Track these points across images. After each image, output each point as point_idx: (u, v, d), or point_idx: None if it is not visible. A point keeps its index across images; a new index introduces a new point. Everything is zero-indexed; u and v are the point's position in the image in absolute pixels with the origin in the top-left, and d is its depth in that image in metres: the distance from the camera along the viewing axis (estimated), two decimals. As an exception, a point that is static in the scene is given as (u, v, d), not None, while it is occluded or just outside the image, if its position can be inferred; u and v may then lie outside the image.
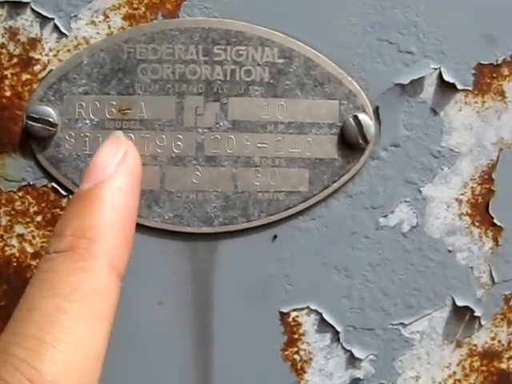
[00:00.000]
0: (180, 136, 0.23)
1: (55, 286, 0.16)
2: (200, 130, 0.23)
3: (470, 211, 0.24)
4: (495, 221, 0.24)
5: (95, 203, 0.17)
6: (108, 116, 0.23)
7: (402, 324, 0.24)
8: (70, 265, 0.16)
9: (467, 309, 0.24)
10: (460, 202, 0.24)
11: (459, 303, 0.24)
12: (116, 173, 0.18)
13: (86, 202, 0.17)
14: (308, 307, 0.24)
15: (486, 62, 0.24)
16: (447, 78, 0.24)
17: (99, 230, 0.17)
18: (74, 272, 0.16)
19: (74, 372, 0.15)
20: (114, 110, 0.23)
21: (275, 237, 0.23)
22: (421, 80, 0.23)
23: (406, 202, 0.24)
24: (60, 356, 0.15)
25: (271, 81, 0.23)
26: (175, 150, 0.23)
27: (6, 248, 0.23)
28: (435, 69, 0.23)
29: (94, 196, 0.17)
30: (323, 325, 0.24)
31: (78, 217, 0.17)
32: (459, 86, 0.23)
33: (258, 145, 0.23)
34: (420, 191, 0.24)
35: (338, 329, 0.24)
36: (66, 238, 0.17)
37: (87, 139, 0.23)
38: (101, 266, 0.17)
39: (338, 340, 0.24)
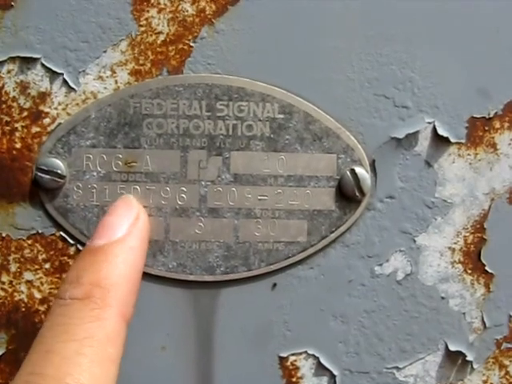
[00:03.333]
0: (184, 188, 0.22)
1: (72, 332, 0.17)
2: (203, 183, 0.22)
3: (462, 259, 0.23)
4: (487, 268, 0.23)
5: (110, 258, 0.18)
6: (114, 168, 0.22)
7: (396, 368, 0.23)
8: (86, 312, 0.17)
9: (460, 353, 0.23)
10: (453, 250, 0.23)
11: (452, 348, 0.23)
12: (129, 234, 0.19)
13: (100, 256, 0.18)
14: (306, 352, 0.23)
15: (478, 116, 0.23)
16: (441, 131, 0.23)
17: (113, 281, 0.18)
18: (89, 319, 0.17)
19: None
20: (120, 162, 0.22)
21: (275, 285, 0.22)
22: (416, 134, 0.23)
23: (400, 251, 0.23)
24: None
25: (272, 135, 0.22)
26: (179, 202, 0.22)
27: (15, 294, 0.22)
28: (429, 123, 0.22)
29: (109, 252, 0.18)
30: (320, 368, 0.23)
31: (93, 268, 0.18)
32: (453, 139, 0.23)
33: (259, 197, 0.22)
34: (414, 240, 0.23)
35: (335, 372, 0.23)
36: (82, 286, 0.18)
37: (94, 191, 0.22)
38: (113, 315, 0.17)
39: (335, 383, 0.23)
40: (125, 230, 0.19)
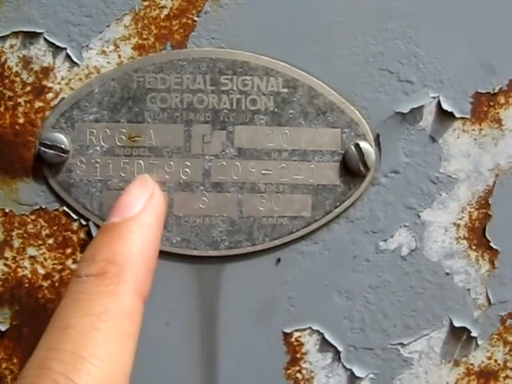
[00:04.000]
0: (188, 163, 0.21)
1: (88, 307, 0.17)
2: (207, 158, 0.21)
3: (467, 235, 0.23)
4: (492, 244, 0.23)
5: (125, 235, 0.18)
6: (118, 143, 0.21)
7: (401, 344, 0.23)
8: (101, 288, 0.17)
9: (464, 329, 0.23)
10: (458, 226, 0.23)
11: (456, 324, 0.23)
12: (144, 210, 0.19)
13: (116, 233, 0.18)
14: (310, 328, 0.22)
15: (483, 91, 0.22)
16: (446, 106, 0.22)
17: (128, 258, 0.18)
18: (105, 295, 0.17)
19: None
20: (123, 137, 0.21)
21: (279, 260, 0.22)
22: (420, 108, 0.22)
23: (405, 226, 0.22)
24: (95, 370, 0.16)
25: (276, 110, 0.21)
26: (183, 177, 0.21)
27: (19, 269, 0.22)
28: (434, 97, 0.22)
29: (124, 229, 0.18)
30: (325, 344, 0.22)
31: (109, 245, 0.18)
32: (457, 115, 0.22)
33: (263, 172, 0.22)
34: (419, 216, 0.22)
35: (339, 348, 0.22)
36: (97, 264, 0.17)
37: (98, 165, 0.21)
38: (129, 291, 0.17)
39: (339, 359, 0.22)
40: (140, 207, 0.19)
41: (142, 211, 0.19)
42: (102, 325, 0.16)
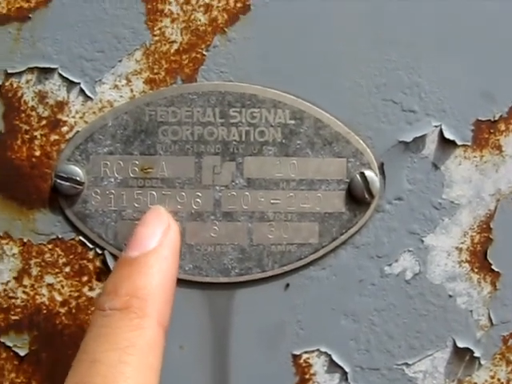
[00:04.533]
0: (199, 193, 0.22)
1: (114, 341, 0.17)
2: (217, 188, 0.22)
3: (469, 258, 0.23)
4: (493, 267, 0.23)
5: (145, 269, 0.19)
6: (131, 175, 0.22)
7: (405, 364, 0.23)
8: (126, 322, 0.18)
9: (467, 350, 0.23)
10: (460, 250, 0.23)
11: (460, 344, 0.23)
12: (161, 244, 0.19)
13: (136, 267, 0.19)
14: (318, 349, 0.23)
15: (483, 119, 0.23)
16: (448, 135, 0.22)
17: (149, 292, 0.18)
18: (130, 328, 0.17)
19: None
20: (136, 169, 0.22)
21: (288, 285, 0.22)
22: (423, 137, 0.22)
23: (409, 251, 0.23)
24: None
25: (283, 141, 0.22)
26: (194, 207, 0.22)
27: (37, 296, 0.22)
28: (436, 126, 0.22)
29: (144, 263, 0.19)
30: (332, 365, 0.23)
31: (130, 280, 0.18)
32: (459, 142, 0.23)
33: (272, 201, 0.22)
34: (422, 241, 0.23)
35: (346, 369, 0.23)
36: (120, 298, 0.18)
37: (112, 196, 0.22)
38: (152, 324, 0.18)
39: (347, 379, 0.23)
40: (157, 241, 0.19)
41: (159, 245, 0.19)
42: (128, 358, 0.17)
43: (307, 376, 0.23)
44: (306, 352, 0.23)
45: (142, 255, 0.19)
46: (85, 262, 0.23)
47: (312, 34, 0.22)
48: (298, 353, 0.23)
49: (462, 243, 0.23)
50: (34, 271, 0.23)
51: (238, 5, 0.23)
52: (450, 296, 0.23)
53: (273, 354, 0.23)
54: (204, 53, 0.22)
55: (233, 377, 0.23)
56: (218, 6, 0.22)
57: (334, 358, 0.23)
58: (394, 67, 0.23)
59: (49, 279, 0.23)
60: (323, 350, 0.23)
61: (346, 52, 0.23)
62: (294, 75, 0.22)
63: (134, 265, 0.19)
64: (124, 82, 0.22)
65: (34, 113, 0.22)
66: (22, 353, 0.23)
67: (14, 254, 0.23)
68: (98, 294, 0.22)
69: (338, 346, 0.23)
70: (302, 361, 0.23)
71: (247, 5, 0.22)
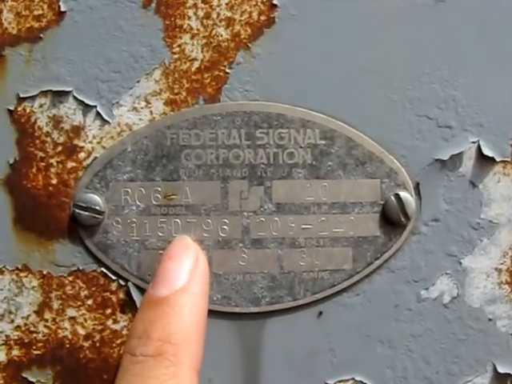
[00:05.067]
0: (226, 220, 0.21)
1: None
2: (245, 214, 0.21)
3: (509, 280, 0.22)
4: None
5: (177, 310, 0.18)
6: (154, 202, 0.20)
7: None
8: (160, 370, 0.17)
9: (509, 375, 0.22)
10: (499, 271, 0.22)
11: (500, 370, 0.22)
12: (191, 280, 0.18)
13: (166, 308, 0.18)
14: (353, 378, 0.21)
15: None
16: (486, 151, 0.21)
17: (183, 336, 0.17)
18: (166, 378, 0.17)
19: None
20: (159, 196, 0.20)
21: (320, 313, 0.21)
22: (460, 154, 0.21)
23: (446, 274, 0.21)
24: None
25: (314, 162, 0.20)
26: (221, 234, 0.21)
27: (59, 330, 0.21)
28: (474, 142, 0.21)
29: (175, 303, 0.18)
30: None
31: (161, 322, 0.17)
32: (498, 158, 0.21)
33: (303, 226, 0.21)
34: (460, 263, 0.21)
35: (383, 397, 0.23)
36: (153, 343, 0.17)
37: (134, 225, 0.20)
38: (187, 370, 0.17)
39: None
40: (187, 277, 0.18)
41: (189, 281, 0.18)
42: None
43: (342, 405, 0.22)
44: (340, 381, 0.22)
45: (172, 294, 0.18)
46: (108, 294, 0.21)
47: (341, 48, 0.21)
48: (331, 382, 0.22)
49: (502, 264, 0.22)
50: (55, 304, 0.21)
51: (262, 18, 0.21)
52: (490, 319, 0.22)
53: (306, 384, 0.22)
54: (227, 70, 0.21)
55: (265, 408, 0.22)
56: (240, 20, 0.21)
57: (370, 386, 0.22)
58: (428, 80, 0.21)
59: (71, 312, 0.21)
60: (358, 378, 0.22)
61: (377, 66, 0.21)
62: (323, 92, 0.21)
63: (164, 305, 0.17)
64: (143, 103, 0.21)
65: (48, 139, 0.21)
66: (45, 388, 0.22)
67: (33, 287, 0.21)
68: (124, 326, 0.21)
69: (374, 375, 0.22)
70: (336, 390, 0.22)
71: (271, 17, 0.21)
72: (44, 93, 0.21)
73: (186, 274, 0.18)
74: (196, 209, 0.21)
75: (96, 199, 0.21)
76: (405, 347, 0.22)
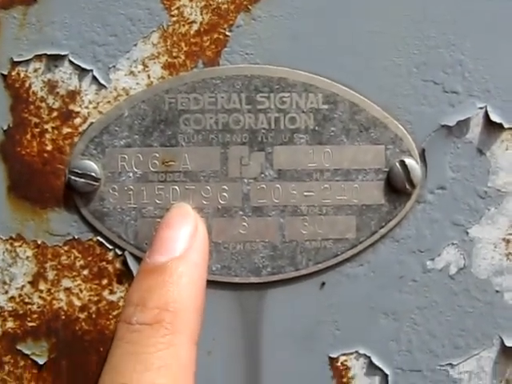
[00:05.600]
0: (225, 187, 0.20)
1: (147, 361, 0.16)
2: (245, 181, 0.20)
3: None
4: None
5: (175, 278, 0.17)
6: (151, 168, 0.20)
7: (450, 365, 0.21)
8: (157, 339, 0.16)
9: None
10: (507, 241, 0.21)
11: (508, 343, 0.21)
12: (191, 248, 0.17)
13: (165, 276, 0.17)
14: (357, 351, 0.21)
15: None
16: (493, 117, 0.20)
17: (181, 304, 0.17)
18: (162, 346, 0.16)
19: None
20: (157, 162, 0.20)
21: (323, 284, 0.20)
22: (467, 120, 0.20)
23: (453, 244, 0.21)
24: None
25: (316, 128, 0.20)
26: (221, 202, 0.20)
27: (54, 302, 0.20)
28: (481, 108, 0.20)
29: (173, 271, 0.17)
30: (372, 368, 0.21)
31: (160, 290, 0.17)
32: (506, 125, 0.20)
33: (305, 193, 0.20)
34: (467, 233, 0.21)
35: (387, 371, 0.21)
36: (150, 311, 0.16)
37: (131, 192, 0.20)
38: (185, 340, 0.16)
39: (387, 383, 0.21)
40: (185, 244, 0.17)
41: (188, 249, 0.17)
42: (163, 380, 0.15)
43: (345, 379, 0.21)
44: (343, 354, 0.21)
45: (170, 262, 0.17)
46: (104, 263, 0.21)
47: (345, 11, 0.20)
48: (334, 355, 0.21)
49: (510, 234, 0.21)
50: (50, 275, 0.21)
51: (263, -21, 0.20)
52: (497, 291, 0.21)
53: (308, 357, 0.21)
54: (227, 33, 0.20)
55: (265, 383, 0.21)
56: (240, -18, 0.20)
57: (374, 359, 0.21)
58: (434, 45, 0.20)
59: (66, 283, 0.21)
60: (362, 351, 0.21)
61: (381, 30, 0.20)
62: (326, 56, 0.20)
63: (161, 273, 0.17)
64: (140, 67, 0.20)
65: (43, 104, 0.20)
66: (40, 361, 0.21)
67: (27, 257, 0.21)
68: (120, 296, 0.21)
69: (378, 347, 0.21)
70: (339, 363, 0.21)
71: (273, -21, 0.20)
72: (39, 57, 0.20)
73: (184, 242, 0.18)
74: (195, 175, 0.20)
75: (92, 166, 0.20)
76: (409, 320, 0.21)
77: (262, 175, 0.20)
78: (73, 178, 0.20)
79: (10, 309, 0.21)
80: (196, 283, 0.17)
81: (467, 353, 0.21)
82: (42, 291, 0.21)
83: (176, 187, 0.20)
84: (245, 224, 0.20)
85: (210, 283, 0.20)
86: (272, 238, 0.20)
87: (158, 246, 0.18)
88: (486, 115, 0.21)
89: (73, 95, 0.20)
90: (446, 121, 0.20)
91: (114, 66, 0.20)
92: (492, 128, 0.21)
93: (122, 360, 0.16)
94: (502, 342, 0.21)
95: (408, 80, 0.20)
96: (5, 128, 0.20)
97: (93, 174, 0.20)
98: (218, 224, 0.20)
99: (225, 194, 0.20)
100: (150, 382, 0.15)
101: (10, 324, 0.21)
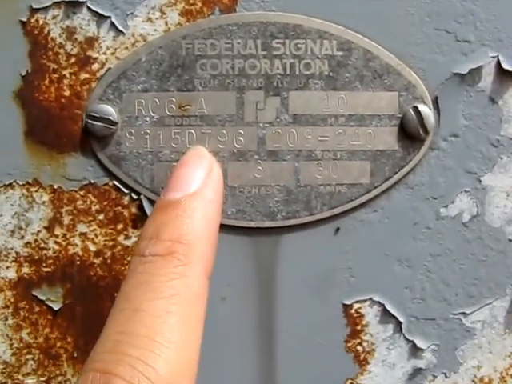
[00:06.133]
0: (241, 131, 0.20)
1: (159, 289, 0.16)
2: (261, 125, 0.20)
3: None
4: None
5: (189, 212, 0.17)
6: (168, 113, 0.20)
7: (463, 314, 0.21)
8: (170, 269, 0.16)
9: None
10: None
11: None
12: (205, 186, 0.17)
13: (179, 210, 0.17)
14: (371, 299, 0.21)
15: None
16: (506, 66, 0.20)
17: (194, 237, 0.16)
18: (175, 276, 0.16)
19: (183, 370, 0.15)
20: (173, 106, 0.20)
21: (338, 229, 0.20)
22: (479, 69, 0.20)
23: (465, 191, 0.21)
24: (172, 355, 0.15)
25: (331, 74, 0.20)
26: (237, 146, 0.20)
27: (69, 247, 0.20)
28: (493, 57, 0.20)
29: (187, 206, 0.17)
30: (386, 316, 0.21)
31: (173, 224, 0.17)
32: None
33: (320, 138, 0.20)
34: (480, 181, 0.21)
35: (401, 319, 0.21)
36: (163, 243, 0.16)
37: (148, 136, 0.20)
38: (198, 272, 0.16)
39: (401, 331, 0.21)
40: (200, 182, 0.17)
41: (203, 187, 0.17)
42: (174, 308, 0.15)
43: (359, 327, 0.21)
44: (357, 301, 0.21)
45: (185, 197, 0.17)
46: (119, 208, 0.21)
47: (358, -40, 0.21)
48: (348, 302, 0.21)
49: (522, 183, 0.22)
50: (66, 220, 0.21)
51: None
52: (510, 240, 0.21)
53: (322, 304, 0.21)
54: (243, -19, 0.21)
55: (279, 329, 0.21)
56: None
57: (388, 307, 0.21)
58: (446, -6, 0.21)
59: (82, 228, 0.21)
60: (376, 299, 0.21)
61: (395, -21, 0.21)
62: (341, 3, 0.20)
63: (176, 207, 0.17)
64: (158, 14, 0.20)
65: (62, 50, 0.20)
66: (55, 307, 0.21)
67: (44, 202, 0.21)
68: (135, 241, 0.21)
69: (392, 295, 0.21)
70: (353, 311, 0.21)
71: None
72: (57, 3, 0.20)
73: (199, 180, 0.17)
74: (211, 119, 0.20)
75: (109, 109, 0.20)
76: (423, 267, 0.21)
77: (278, 120, 0.20)
78: (90, 121, 0.20)
79: (26, 254, 0.21)
80: (210, 219, 0.17)
81: (480, 302, 0.21)
82: (57, 236, 0.21)
83: (192, 131, 0.20)
84: (260, 168, 0.20)
85: (225, 227, 0.20)
86: (287, 182, 0.20)
87: (173, 183, 0.18)
88: (498, 64, 0.21)
89: (91, 41, 0.20)
90: (459, 69, 0.21)
91: (131, 13, 0.20)
92: (504, 77, 0.21)
93: (134, 289, 0.16)
94: (515, 282, 0.21)
95: (421, 29, 0.20)
96: (23, 74, 0.20)
97: (110, 117, 0.20)
98: (233, 168, 0.20)
99: (240, 138, 0.20)
100: (162, 309, 0.15)
101: (25, 270, 0.21)
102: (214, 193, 0.18)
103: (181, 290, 0.16)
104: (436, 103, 0.21)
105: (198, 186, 0.17)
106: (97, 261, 0.21)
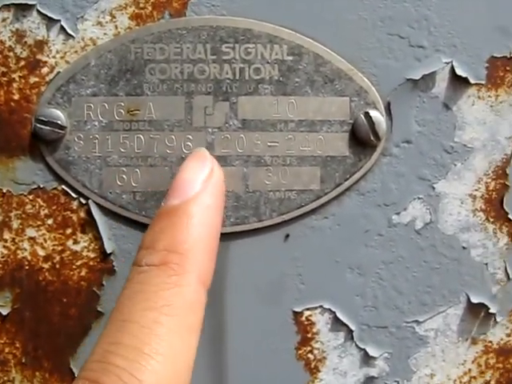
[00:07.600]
0: (190, 136, 0.19)
1: (150, 300, 0.15)
2: (210, 130, 0.19)
3: (484, 207, 0.20)
4: (510, 216, 0.20)
5: (185, 220, 0.16)
6: (117, 117, 0.19)
7: (416, 321, 0.21)
8: (163, 279, 0.16)
9: (482, 305, 0.21)
10: (474, 197, 0.20)
11: (474, 300, 0.20)
12: (203, 191, 0.17)
13: (175, 218, 0.16)
14: (321, 306, 0.20)
15: (499, 55, 0.20)
16: (459, 72, 0.20)
17: (190, 246, 0.16)
18: (167, 286, 0.16)
19: (170, 382, 0.15)
20: (122, 111, 0.19)
21: (287, 236, 0.20)
22: (433, 75, 0.20)
23: (419, 198, 0.20)
24: (158, 367, 0.15)
25: (281, 78, 0.19)
26: (185, 151, 0.19)
27: (18, 251, 0.20)
28: (447, 63, 0.20)
29: (184, 213, 0.16)
30: (337, 323, 0.20)
31: (169, 232, 0.16)
32: (472, 80, 0.20)
33: (269, 144, 0.20)
34: (433, 187, 0.20)
35: (352, 327, 0.20)
36: (158, 253, 0.16)
37: (96, 141, 0.19)
38: (192, 281, 0.16)
39: (352, 338, 0.20)
40: (199, 187, 0.17)
41: (201, 191, 0.17)
42: (164, 319, 0.15)
43: (309, 335, 0.21)
44: (307, 309, 0.21)
45: (183, 203, 0.16)
46: (68, 213, 0.20)
47: (311, -36, 0.20)
48: (299, 310, 0.21)
49: (476, 190, 0.21)
50: (15, 224, 0.20)
51: None
52: (464, 248, 0.21)
53: (272, 312, 0.20)
54: (194, -15, 0.20)
55: (229, 336, 0.21)
56: None
57: (339, 315, 0.21)
58: (400, -1, 0.20)
59: (30, 232, 0.20)
60: (327, 306, 0.21)
61: (347, -17, 0.20)
62: (292, 8, 0.20)
63: (172, 215, 0.16)
64: (108, 18, 0.20)
65: (11, 53, 0.20)
66: (4, 312, 0.20)
67: (-7, 206, 0.21)
68: (84, 246, 0.20)
69: (343, 303, 0.21)
70: (303, 318, 0.21)
71: None
72: (6, 6, 0.20)
73: (198, 184, 0.17)
74: (159, 124, 0.20)
75: (58, 114, 0.20)
76: (375, 275, 0.21)
77: (227, 125, 0.20)
78: (38, 125, 0.20)
79: (-25, 258, 0.20)
80: (208, 225, 0.17)
81: (433, 310, 0.21)
82: (6, 240, 0.20)
83: (141, 136, 0.20)
84: (208, 173, 0.20)
85: (174, 233, 0.20)
86: (235, 188, 0.20)
87: (173, 190, 0.17)
88: (452, 70, 0.20)
89: (40, 45, 0.20)
90: (412, 74, 0.20)
91: (81, 17, 0.20)
92: (458, 83, 0.20)
93: (127, 299, 0.15)
94: (469, 299, 0.21)
95: (373, 33, 0.20)
96: (-27, 77, 0.20)
97: (58, 121, 0.20)
98: (181, 173, 0.20)
99: (189, 143, 0.20)
100: (153, 320, 0.15)
101: (-26, 274, 0.20)
102: (213, 198, 0.17)
103: (173, 301, 0.15)
104: (388, 109, 0.20)
105: (196, 191, 0.17)
106: (46, 265, 0.20)
